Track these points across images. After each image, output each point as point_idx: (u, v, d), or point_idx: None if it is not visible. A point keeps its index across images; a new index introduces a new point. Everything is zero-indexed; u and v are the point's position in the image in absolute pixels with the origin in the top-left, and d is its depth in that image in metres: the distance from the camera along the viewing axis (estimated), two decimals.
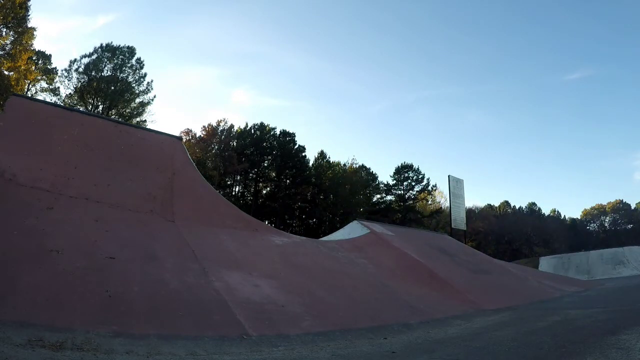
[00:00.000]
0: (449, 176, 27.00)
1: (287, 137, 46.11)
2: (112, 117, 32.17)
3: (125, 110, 37.59)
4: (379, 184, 49.66)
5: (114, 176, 5.28)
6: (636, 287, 10.20)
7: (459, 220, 26.66)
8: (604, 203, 71.45)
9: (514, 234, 54.43)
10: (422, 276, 6.03)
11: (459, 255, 8.74)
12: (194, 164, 6.97)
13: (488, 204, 68.58)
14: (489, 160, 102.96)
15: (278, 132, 46.47)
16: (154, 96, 39.35)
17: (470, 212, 50.25)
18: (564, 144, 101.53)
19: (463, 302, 5.30)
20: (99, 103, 36.24)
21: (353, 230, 8.64)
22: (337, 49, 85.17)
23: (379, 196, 49.70)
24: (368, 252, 6.97)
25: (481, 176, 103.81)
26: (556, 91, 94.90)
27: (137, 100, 38.34)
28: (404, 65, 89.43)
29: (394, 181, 48.99)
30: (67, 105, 27.40)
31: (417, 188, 48.58)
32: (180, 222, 5.22)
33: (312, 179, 44.30)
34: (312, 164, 47.16)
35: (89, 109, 34.19)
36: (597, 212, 71.26)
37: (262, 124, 46.02)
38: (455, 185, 27.42)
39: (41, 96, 32.23)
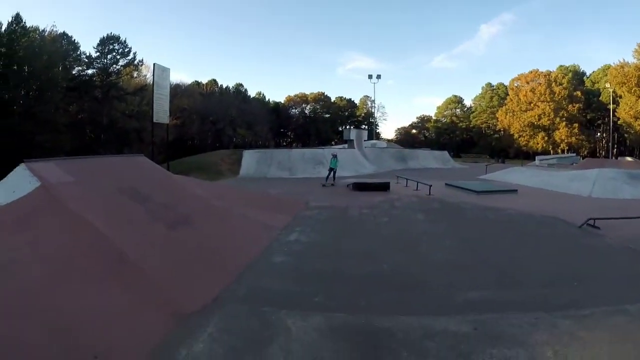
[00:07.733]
0: (154, 64, 24.38)
1: None
2: None
3: None
4: (80, 54, 41.48)
5: None
6: None
7: (162, 114, 25.19)
8: (307, 93, 77.64)
9: (219, 114, 54.76)
10: (109, 266, 4.72)
11: (154, 197, 6.86)
12: None
13: (195, 81, 65.01)
14: (199, 35, 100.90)
15: None
16: None
17: (176, 88, 48.44)
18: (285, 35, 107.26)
19: (158, 307, 4.34)
20: None
21: (18, 183, 6.08)
22: None
23: (79, 68, 41.80)
24: (32, 230, 5.01)
25: (189, 49, 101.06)
26: None
27: None
28: None
29: (97, 53, 41.94)
30: None
31: (122, 62, 43.45)
32: None
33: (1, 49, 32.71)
34: (5, 30, 34.26)
35: None
36: (300, 100, 76.96)
37: None
38: (161, 74, 25.21)
39: None
